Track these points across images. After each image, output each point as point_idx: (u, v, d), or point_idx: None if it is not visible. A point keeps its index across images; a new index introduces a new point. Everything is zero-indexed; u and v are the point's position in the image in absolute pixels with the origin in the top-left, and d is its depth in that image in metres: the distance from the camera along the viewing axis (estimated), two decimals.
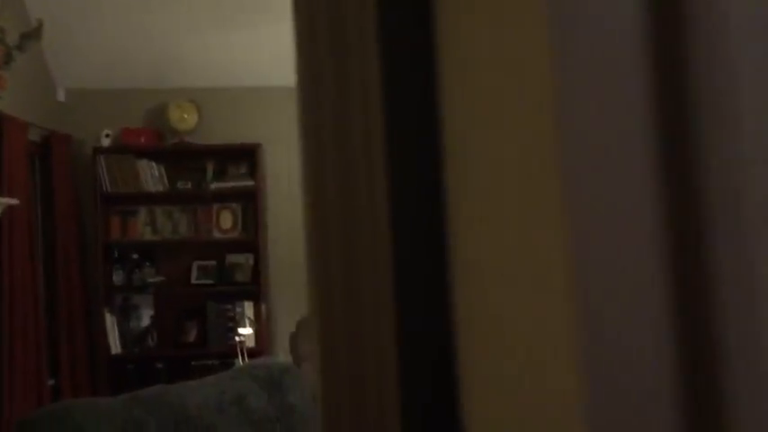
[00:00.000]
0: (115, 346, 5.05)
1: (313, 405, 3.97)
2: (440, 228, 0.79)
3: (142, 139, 5.12)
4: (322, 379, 0.75)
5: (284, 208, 5.33)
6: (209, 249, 5.26)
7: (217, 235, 5.21)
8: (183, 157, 5.22)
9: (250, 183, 5.15)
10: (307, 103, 0.78)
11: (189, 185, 5.16)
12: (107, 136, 5.08)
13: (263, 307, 5.05)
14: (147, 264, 5.19)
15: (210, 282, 5.19)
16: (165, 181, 5.13)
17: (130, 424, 3.30)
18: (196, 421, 3.46)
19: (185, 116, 5.13)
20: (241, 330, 4.67)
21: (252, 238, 5.16)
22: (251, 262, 5.20)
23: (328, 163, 0.76)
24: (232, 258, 5.25)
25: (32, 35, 4.01)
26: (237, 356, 4.58)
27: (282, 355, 4.64)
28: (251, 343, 4.89)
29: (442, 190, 0.79)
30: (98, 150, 5.08)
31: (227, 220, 5.23)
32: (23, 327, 4.22)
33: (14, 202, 4.03)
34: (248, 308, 5.09)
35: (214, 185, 5.14)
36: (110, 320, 5.06)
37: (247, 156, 5.21)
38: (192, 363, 5.06)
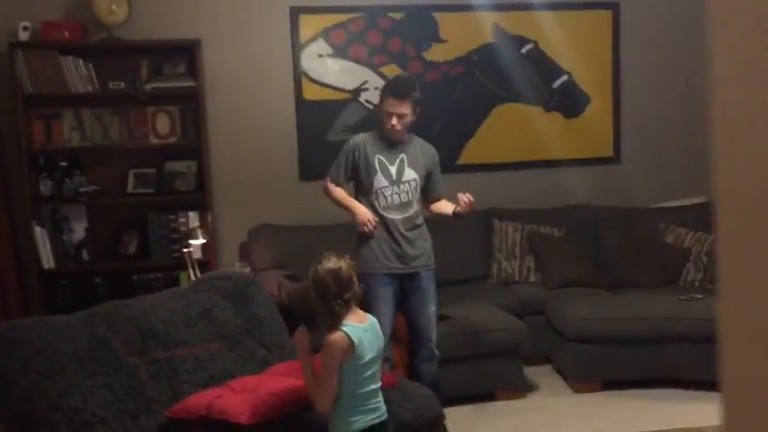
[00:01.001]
0: (47, 261, 4.66)
1: (277, 315, 3.80)
2: None
3: (66, 34, 4.59)
4: None
5: (226, 111, 4.97)
6: (146, 156, 4.87)
7: (154, 140, 4.82)
8: (114, 55, 4.73)
9: (189, 83, 4.74)
10: None
11: (121, 86, 4.69)
12: (25, 29, 4.52)
13: (209, 216, 4.76)
14: (77, 172, 4.76)
15: (150, 191, 4.83)
16: (95, 80, 4.65)
17: (95, 342, 3.03)
18: (164, 337, 3.23)
19: (114, 8, 4.62)
20: (192, 241, 4.38)
21: (193, 144, 4.80)
22: (194, 169, 4.86)
23: None
24: (172, 166, 4.88)
25: None
26: (187, 269, 4.31)
27: (239, 266, 4.42)
28: (197, 254, 4.62)
29: None
30: (15, 45, 4.52)
31: (164, 124, 4.84)
32: None
33: None
34: (193, 218, 4.78)
35: (149, 86, 4.71)
36: (39, 234, 4.65)
37: (185, 53, 4.77)
38: (134, 277, 4.76)
